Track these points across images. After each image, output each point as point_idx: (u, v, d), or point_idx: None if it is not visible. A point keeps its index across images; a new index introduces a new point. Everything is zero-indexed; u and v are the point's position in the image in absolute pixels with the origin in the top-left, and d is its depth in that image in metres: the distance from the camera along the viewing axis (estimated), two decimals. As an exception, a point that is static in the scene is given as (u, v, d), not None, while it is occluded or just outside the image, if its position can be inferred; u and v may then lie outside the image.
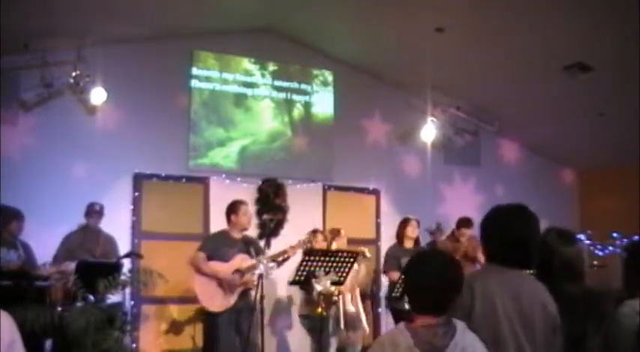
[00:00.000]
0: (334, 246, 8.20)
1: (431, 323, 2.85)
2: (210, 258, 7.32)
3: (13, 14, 7.68)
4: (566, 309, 3.46)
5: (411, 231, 8.47)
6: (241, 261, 7.21)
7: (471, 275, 3.51)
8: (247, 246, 7.39)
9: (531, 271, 3.78)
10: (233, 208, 7.58)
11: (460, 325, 2.87)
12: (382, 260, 8.97)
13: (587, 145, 11.84)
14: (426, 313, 2.88)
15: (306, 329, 8.25)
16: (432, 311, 2.88)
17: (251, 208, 8.51)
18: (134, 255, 8.70)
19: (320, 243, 8.38)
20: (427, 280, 2.90)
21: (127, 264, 8.35)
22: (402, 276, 3.13)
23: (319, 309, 6.86)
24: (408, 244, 8.43)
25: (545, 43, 9.04)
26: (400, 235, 8.52)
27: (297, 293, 8.54)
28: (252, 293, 7.27)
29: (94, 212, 8.45)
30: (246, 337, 7.04)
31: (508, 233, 3.24)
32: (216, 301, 7.20)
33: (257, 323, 6.99)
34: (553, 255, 3.63)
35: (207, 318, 7.44)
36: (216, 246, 7.40)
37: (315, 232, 8.55)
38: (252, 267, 7.07)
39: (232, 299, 7.15)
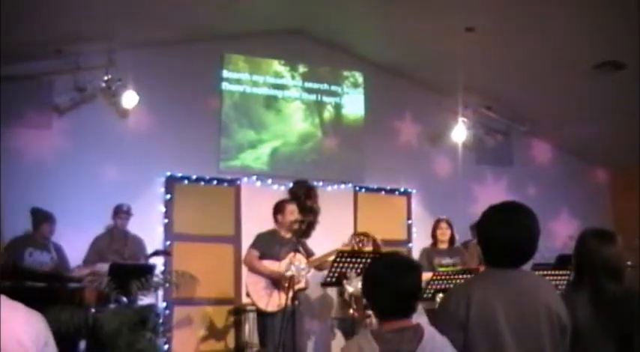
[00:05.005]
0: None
1: (399, 328, 2.81)
2: (262, 256, 7.34)
3: (45, 20, 7.79)
4: (610, 309, 3.43)
5: (441, 234, 8.41)
6: (293, 259, 7.14)
7: (468, 281, 3.45)
8: (299, 245, 7.35)
9: (570, 273, 3.73)
10: (279, 208, 7.63)
11: (429, 329, 2.82)
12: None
13: (621, 145, 11.69)
14: (393, 318, 2.85)
15: (341, 332, 8.24)
16: (400, 315, 2.84)
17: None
18: (162, 253, 8.75)
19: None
20: (398, 284, 2.87)
21: (159, 265, 8.41)
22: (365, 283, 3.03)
23: (351, 310, 6.86)
24: (442, 245, 8.38)
25: (577, 41, 8.97)
26: (434, 236, 8.50)
27: (331, 296, 8.52)
28: (301, 294, 7.31)
29: (121, 213, 8.51)
30: (292, 342, 7.05)
31: (492, 234, 3.15)
32: (270, 300, 7.17)
33: (299, 327, 6.99)
34: (594, 256, 3.58)
35: (260, 318, 7.39)
36: (269, 244, 7.40)
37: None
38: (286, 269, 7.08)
39: (284, 300, 7.06)
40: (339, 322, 8.21)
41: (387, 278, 2.90)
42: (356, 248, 7.27)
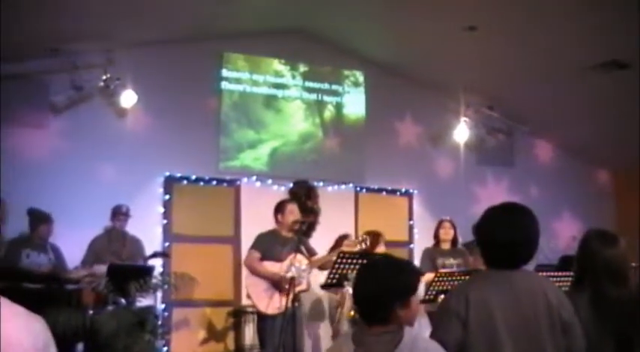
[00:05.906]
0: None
1: (380, 332, 2.83)
2: (263, 257, 7.26)
3: (42, 18, 7.72)
4: (611, 313, 3.38)
5: (444, 234, 8.41)
6: (294, 261, 7.04)
7: (467, 282, 3.46)
8: (300, 244, 7.23)
9: (573, 275, 3.69)
10: (279, 207, 7.56)
11: (411, 334, 2.84)
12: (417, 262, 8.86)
13: (623, 145, 11.62)
14: (373, 323, 2.86)
15: None
16: (375, 322, 2.85)
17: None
18: (160, 254, 8.67)
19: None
20: (370, 289, 2.88)
21: (158, 266, 8.34)
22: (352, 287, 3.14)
23: (352, 312, 6.79)
24: (445, 245, 8.35)
25: (580, 40, 8.91)
26: (436, 237, 8.46)
27: (333, 297, 8.42)
28: (303, 296, 7.28)
29: (120, 214, 8.43)
30: (292, 344, 6.97)
31: (492, 236, 3.15)
32: (270, 302, 7.09)
33: (300, 329, 6.93)
34: (596, 258, 3.53)
35: (260, 320, 7.32)
36: (270, 245, 7.32)
37: (344, 237, 8.39)
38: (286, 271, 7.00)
39: (285, 302, 6.92)
40: (350, 323, 8.12)
41: (360, 283, 2.96)
42: (358, 248, 7.21)
